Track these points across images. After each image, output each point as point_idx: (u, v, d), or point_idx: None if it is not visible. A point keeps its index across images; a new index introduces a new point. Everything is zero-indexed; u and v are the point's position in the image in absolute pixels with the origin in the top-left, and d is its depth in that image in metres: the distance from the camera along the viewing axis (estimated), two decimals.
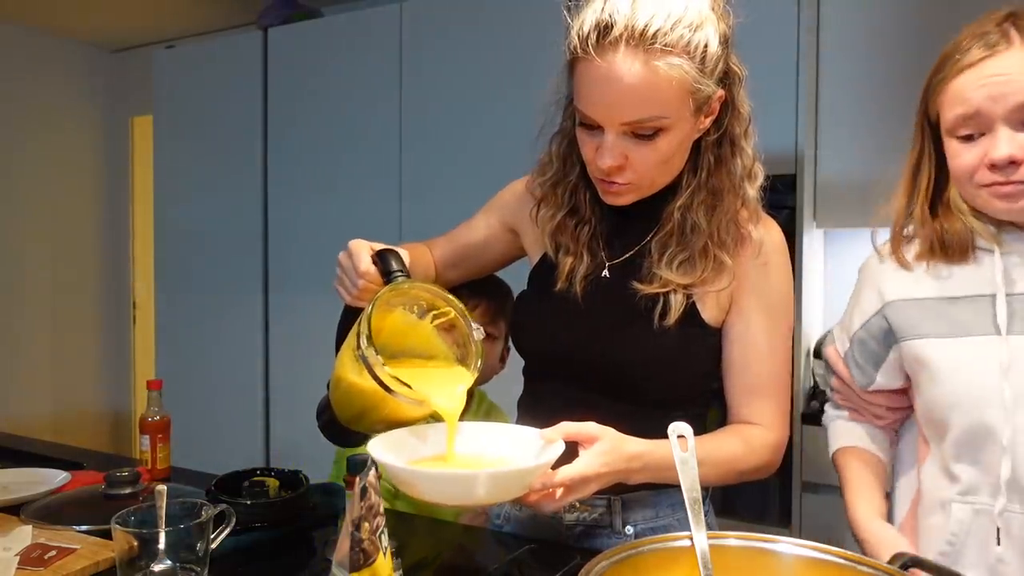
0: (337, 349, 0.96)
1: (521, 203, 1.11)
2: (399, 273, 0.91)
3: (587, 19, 0.86)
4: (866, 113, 2.14)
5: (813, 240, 2.23)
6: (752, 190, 0.96)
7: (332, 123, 2.85)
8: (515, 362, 1.19)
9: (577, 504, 0.99)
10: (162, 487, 0.82)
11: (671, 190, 0.97)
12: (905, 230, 1.00)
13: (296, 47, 2.92)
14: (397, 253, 0.94)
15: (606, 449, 0.83)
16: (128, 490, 1.12)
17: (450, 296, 0.92)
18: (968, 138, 0.89)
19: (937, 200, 0.97)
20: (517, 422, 1.13)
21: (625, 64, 0.83)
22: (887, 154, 2.33)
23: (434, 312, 0.92)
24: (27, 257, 3.82)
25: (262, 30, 3.01)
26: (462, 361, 0.92)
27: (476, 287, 1.27)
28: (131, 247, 4.19)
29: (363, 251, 0.93)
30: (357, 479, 0.63)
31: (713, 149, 0.95)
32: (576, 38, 0.87)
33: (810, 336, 2.23)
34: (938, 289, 0.95)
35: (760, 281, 0.97)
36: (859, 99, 2.15)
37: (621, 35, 0.83)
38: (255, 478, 1.08)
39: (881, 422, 1.09)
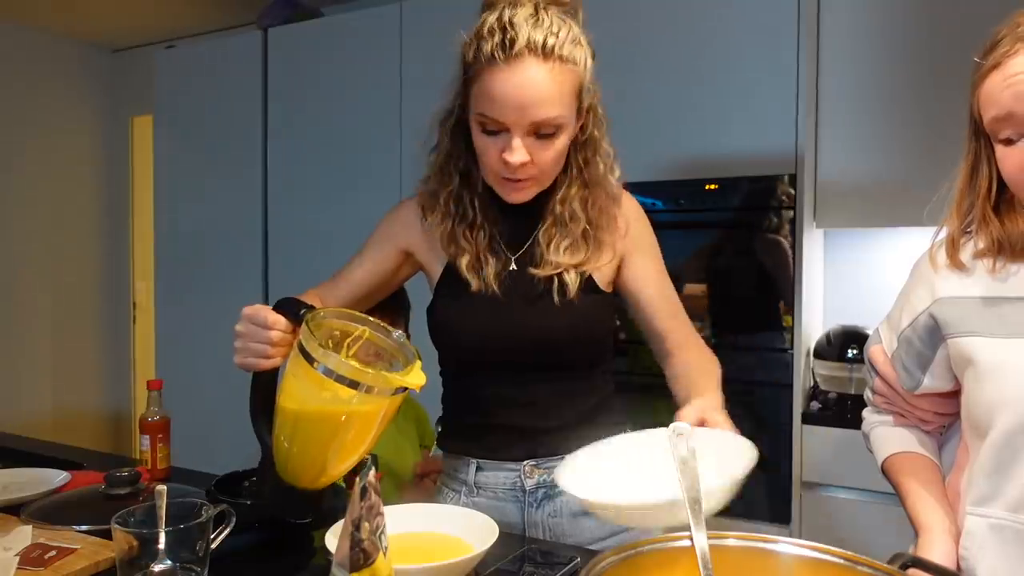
0: (255, 423, 0.99)
1: (412, 223, 1.19)
2: (307, 310, 0.94)
3: (488, 36, 0.98)
4: (866, 113, 2.14)
5: (813, 240, 2.23)
6: (613, 180, 1.13)
7: (332, 123, 2.85)
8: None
9: (536, 469, 1.11)
10: (162, 487, 0.82)
11: (549, 188, 1.10)
12: (967, 229, 0.95)
13: (296, 47, 2.93)
14: (294, 297, 1.01)
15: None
16: (128, 490, 1.12)
17: (356, 313, 1.00)
18: (1009, 140, 0.84)
19: (1000, 199, 0.91)
20: (443, 418, 1.21)
21: (532, 71, 0.96)
22: (887, 154, 2.32)
23: (347, 340, 0.97)
24: (27, 257, 3.82)
25: (262, 30, 3.01)
26: (391, 370, 0.96)
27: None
28: (131, 247, 4.19)
29: (262, 308, 0.99)
30: (357, 479, 0.63)
31: (582, 150, 1.10)
32: (480, 51, 0.98)
33: (810, 336, 2.23)
34: (994, 288, 0.90)
35: (636, 242, 1.16)
36: (859, 99, 2.15)
37: (525, 47, 0.96)
38: (255, 478, 1.07)
39: (928, 426, 1.03)
